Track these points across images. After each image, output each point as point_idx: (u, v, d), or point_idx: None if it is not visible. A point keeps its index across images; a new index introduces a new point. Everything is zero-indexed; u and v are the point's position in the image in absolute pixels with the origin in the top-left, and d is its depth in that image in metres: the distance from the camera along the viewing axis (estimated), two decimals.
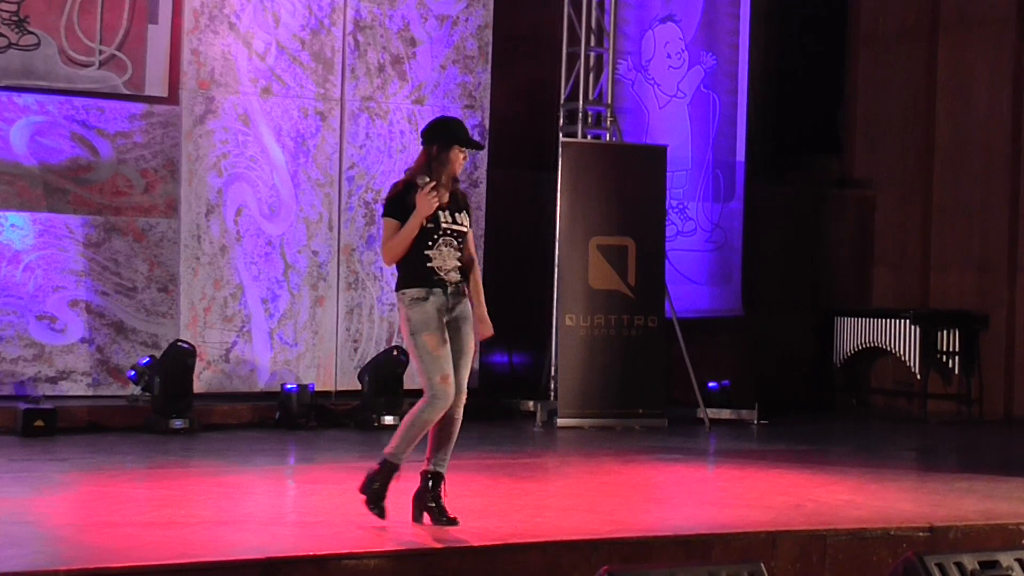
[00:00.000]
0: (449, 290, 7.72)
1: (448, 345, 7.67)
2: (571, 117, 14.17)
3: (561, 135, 13.98)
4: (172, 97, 12.91)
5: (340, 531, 7.59)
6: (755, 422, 13.96)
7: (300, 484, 9.99)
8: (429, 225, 7.68)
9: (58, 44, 12.58)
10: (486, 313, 7.94)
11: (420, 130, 8.19)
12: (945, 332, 15.21)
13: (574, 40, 14.16)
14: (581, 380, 13.38)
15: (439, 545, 7.26)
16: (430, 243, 7.68)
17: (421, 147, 7.88)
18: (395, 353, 12.98)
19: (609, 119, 14.15)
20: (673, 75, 15.03)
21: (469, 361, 7.80)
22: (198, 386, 12.47)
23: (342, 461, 10.82)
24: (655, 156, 14.06)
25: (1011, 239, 15.22)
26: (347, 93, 13.38)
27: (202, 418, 12.24)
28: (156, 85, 12.92)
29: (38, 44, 12.54)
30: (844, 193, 16.58)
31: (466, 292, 7.86)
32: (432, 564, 7.03)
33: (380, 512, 7.69)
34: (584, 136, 14.09)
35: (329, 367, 13.31)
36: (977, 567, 6.30)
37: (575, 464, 10.56)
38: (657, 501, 8.23)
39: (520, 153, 14.37)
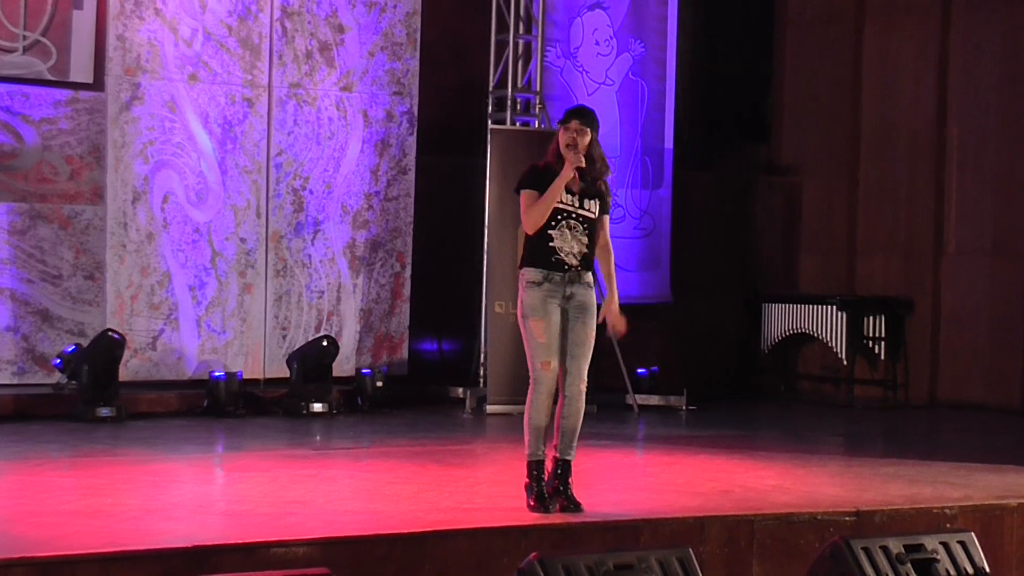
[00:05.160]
0: (568, 275, 7.85)
1: (554, 331, 7.88)
2: (500, 104, 14.16)
3: (490, 122, 13.96)
4: (98, 83, 12.77)
5: (269, 519, 7.57)
6: (684, 408, 14.01)
7: (228, 472, 9.95)
8: (555, 206, 7.85)
9: None
10: (618, 307, 8.01)
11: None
12: (871, 318, 15.31)
13: (503, 27, 14.16)
14: (510, 367, 13.36)
15: (368, 532, 7.26)
16: (553, 223, 7.89)
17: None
18: (324, 343, 12.97)
19: (538, 106, 14.16)
20: (602, 62, 15.04)
21: (588, 352, 7.94)
22: (125, 374, 12.39)
23: (271, 449, 10.80)
24: None
25: (936, 225, 15.34)
26: (275, 80, 13.31)
27: (129, 406, 12.16)
28: (81, 71, 12.77)
29: None
30: (771, 179, 16.65)
31: (589, 281, 7.97)
32: (361, 551, 7.03)
33: (544, 508, 7.87)
34: (513, 123, 14.08)
35: (257, 355, 13.24)
36: (902, 550, 6.36)
37: (504, 451, 10.56)
38: (586, 487, 8.25)
39: (449, 140, 14.35)
